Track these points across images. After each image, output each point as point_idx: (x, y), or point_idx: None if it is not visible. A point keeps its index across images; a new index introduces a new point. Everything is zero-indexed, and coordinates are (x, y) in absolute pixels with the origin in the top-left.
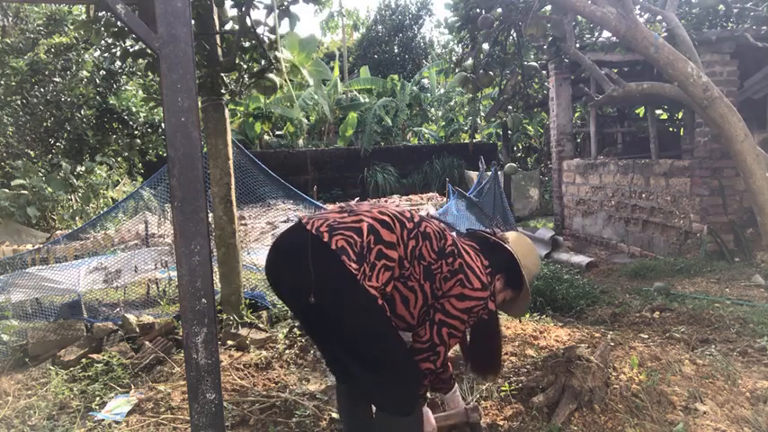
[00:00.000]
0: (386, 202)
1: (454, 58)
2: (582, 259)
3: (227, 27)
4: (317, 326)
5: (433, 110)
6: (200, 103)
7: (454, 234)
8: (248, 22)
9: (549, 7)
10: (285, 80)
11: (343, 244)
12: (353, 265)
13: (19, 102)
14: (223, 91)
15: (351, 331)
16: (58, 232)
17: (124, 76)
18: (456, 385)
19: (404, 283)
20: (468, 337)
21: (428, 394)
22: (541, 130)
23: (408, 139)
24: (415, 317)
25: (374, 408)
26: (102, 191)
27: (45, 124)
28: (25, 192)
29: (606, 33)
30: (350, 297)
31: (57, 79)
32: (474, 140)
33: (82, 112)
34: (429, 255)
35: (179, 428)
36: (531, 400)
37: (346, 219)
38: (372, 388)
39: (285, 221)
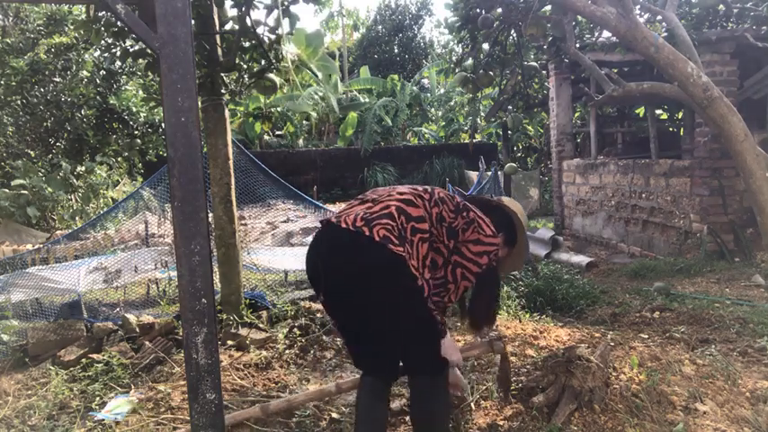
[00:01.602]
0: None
1: (454, 58)
2: (582, 259)
3: (227, 27)
4: (356, 316)
5: (433, 110)
6: (200, 103)
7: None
8: (248, 22)
9: (549, 7)
10: (291, 76)
11: (384, 232)
12: (400, 249)
13: (19, 102)
14: (223, 91)
15: (398, 309)
16: (58, 232)
17: (124, 76)
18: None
19: (432, 247)
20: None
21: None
22: (541, 130)
23: (408, 139)
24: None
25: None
26: (102, 191)
27: (45, 124)
28: (25, 192)
29: (606, 33)
30: (403, 277)
31: (57, 79)
32: (474, 140)
33: (82, 112)
34: (448, 215)
35: (179, 428)
36: (531, 400)
37: (375, 208)
38: (408, 358)
39: (285, 221)
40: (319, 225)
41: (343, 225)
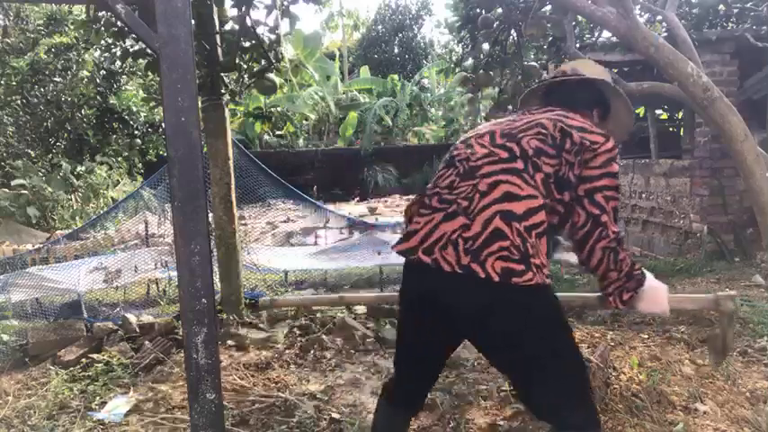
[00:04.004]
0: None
1: (454, 58)
2: None
3: (227, 27)
4: (432, 352)
5: (433, 110)
6: (200, 103)
7: (545, 115)
8: (248, 22)
9: (549, 7)
10: (290, 77)
11: (502, 264)
12: (527, 276)
13: (19, 102)
14: (223, 91)
15: (523, 345)
16: (58, 232)
17: (124, 76)
18: (647, 278)
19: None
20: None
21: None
22: None
23: (408, 139)
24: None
25: None
26: (102, 191)
27: (45, 124)
28: (25, 192)
29: (606, 33)
30: (535, 310)
31: (57, 79)
32: None
33: (82, 112)
34: (552, 167)
35: (179, 428)
36: None
37: (475, 228)
38: (552, 413)
39: (285, 221)
40: (395, 255)
41: (446, 268)
